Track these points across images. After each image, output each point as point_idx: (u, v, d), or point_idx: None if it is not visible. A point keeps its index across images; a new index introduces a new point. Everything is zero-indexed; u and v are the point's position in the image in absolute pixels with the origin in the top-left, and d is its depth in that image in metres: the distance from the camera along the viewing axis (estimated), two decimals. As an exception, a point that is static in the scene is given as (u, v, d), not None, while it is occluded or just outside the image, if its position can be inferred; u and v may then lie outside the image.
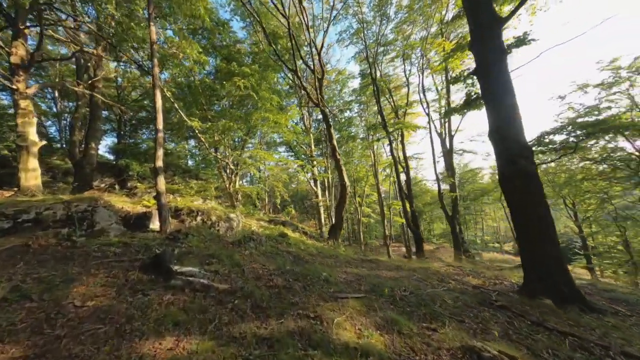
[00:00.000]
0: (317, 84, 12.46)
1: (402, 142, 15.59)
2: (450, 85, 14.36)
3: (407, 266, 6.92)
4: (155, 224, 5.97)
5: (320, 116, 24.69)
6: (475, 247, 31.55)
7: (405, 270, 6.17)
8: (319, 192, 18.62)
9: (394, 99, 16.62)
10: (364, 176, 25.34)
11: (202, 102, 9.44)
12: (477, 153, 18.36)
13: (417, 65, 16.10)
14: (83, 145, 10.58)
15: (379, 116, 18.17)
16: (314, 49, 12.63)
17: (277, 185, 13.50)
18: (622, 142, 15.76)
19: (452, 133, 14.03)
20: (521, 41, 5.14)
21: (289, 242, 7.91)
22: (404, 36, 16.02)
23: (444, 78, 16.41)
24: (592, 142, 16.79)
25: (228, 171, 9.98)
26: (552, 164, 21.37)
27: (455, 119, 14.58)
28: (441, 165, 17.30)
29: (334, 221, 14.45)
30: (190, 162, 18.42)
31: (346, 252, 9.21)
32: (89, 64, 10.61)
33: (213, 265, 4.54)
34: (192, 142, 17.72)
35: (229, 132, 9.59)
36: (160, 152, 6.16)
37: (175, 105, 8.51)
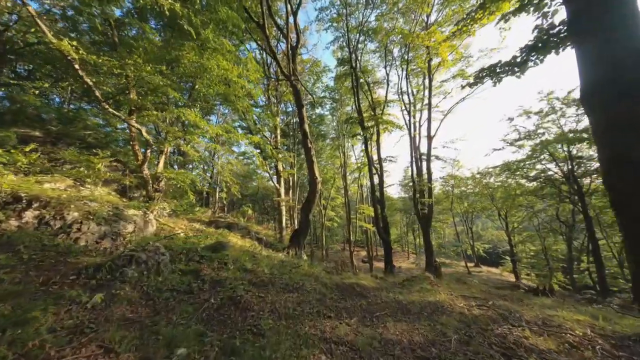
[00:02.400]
0: (289, 52, 9.35)
1: (377, 141, 13.45)
2: (432, 86, 12.80)
3: (410, 302, 4.19)
4: None
5: (290, 109, 21.44)
6: (443, 254, 31.65)
7: (422, 320, 3.38)
8: (282, 191, 15.23)
9: (372, 96, 14.53)
10: (330, 178, 22.83)
11: (98, 28, 5.41)
12: (447, 161, 17.45)
13: (398, 60, 14.31)
14: None
15: (354, 112, 15.92)
16: (289, 16, 9.51)
17: (224, 175, 9.67)
18: (549, 164, 16.87)
19: (432, 134, 12.42)
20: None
21: (224, 261, 4.47)
22: (386, 31, 14.12)
23: (420, 81, 14.98)
24: (533, 161, 17.60)
25: (144, 140, 6.05)
26: (491, 180, 22.55)
27: (433, 122, 13.05)
28: (411, 171, 15.69)
29: (298, 225, 11.28)
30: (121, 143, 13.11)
31: (314, 270, 6.11)
32: None
33: None
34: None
35: (150, 87, 5.73)
36: None
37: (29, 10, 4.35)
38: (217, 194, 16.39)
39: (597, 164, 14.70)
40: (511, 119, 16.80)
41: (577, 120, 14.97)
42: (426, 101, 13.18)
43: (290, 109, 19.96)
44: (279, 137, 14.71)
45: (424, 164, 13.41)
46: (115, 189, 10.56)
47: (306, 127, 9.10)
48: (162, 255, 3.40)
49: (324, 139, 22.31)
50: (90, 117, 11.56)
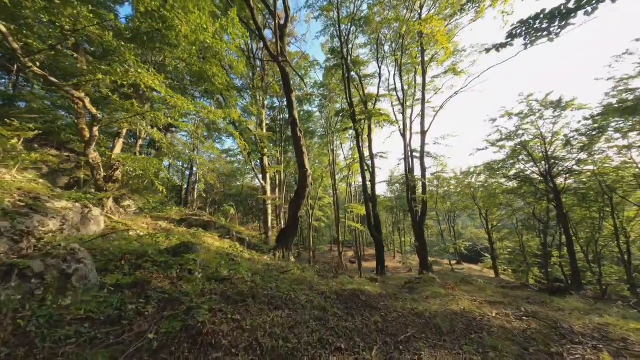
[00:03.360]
0: (277, 31, 8.26)
1: (369, 136, 12.68)
2: (425, 80, 12.25)
3: (432, 314, 3.24)
4: None
5: (277, 104, 20.12)
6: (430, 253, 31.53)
7: (464, 343, 2.42)
8: (268, 188, 13.94)
9: (364, 90, 13.77)
10: (318, 177, 21.84)
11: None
12: (437, 158, 16.98)
13: (389, 54, 13.68)
14: None
15: (346, 105, 15.07)
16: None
17: (201, 162, 8.24)
18: (527, 164, 17.30)
19: (425, 129, 11.85)
20: None
21: (189, 267, 3.25)
22: (377, 23, 13.48)
23: (412, 77, 14.50)
24: (512, 161, 17.94)
25: (90, 115, 4.61)
26: (472, 180, 22.95)
27: (426, 118, 12.53)
28: (401, 168, 15.13)
29: (285, 223, 10.08)
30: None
31: (306, 274, 5.01)
32: None
33: None
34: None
35: (100, 48, 4.28)
36: None
37: None
38: (195, 193, 14.69)
39: (570, 164, 15.19)
40: (494, 120, 17.05)
41: (554, 122, 15.41)
42: (418, 96, 12.67)
43: (277, 104, 18.71)
44: (264, 130, 13.44)
45: (417, 161, 12.89)
46: (67, 182, 8.69)
47: (295, 113, 8.01)
48: (78, 262, 2.14)
49: (312, 137, 21.29)
50: (48, 105, 9.55)
